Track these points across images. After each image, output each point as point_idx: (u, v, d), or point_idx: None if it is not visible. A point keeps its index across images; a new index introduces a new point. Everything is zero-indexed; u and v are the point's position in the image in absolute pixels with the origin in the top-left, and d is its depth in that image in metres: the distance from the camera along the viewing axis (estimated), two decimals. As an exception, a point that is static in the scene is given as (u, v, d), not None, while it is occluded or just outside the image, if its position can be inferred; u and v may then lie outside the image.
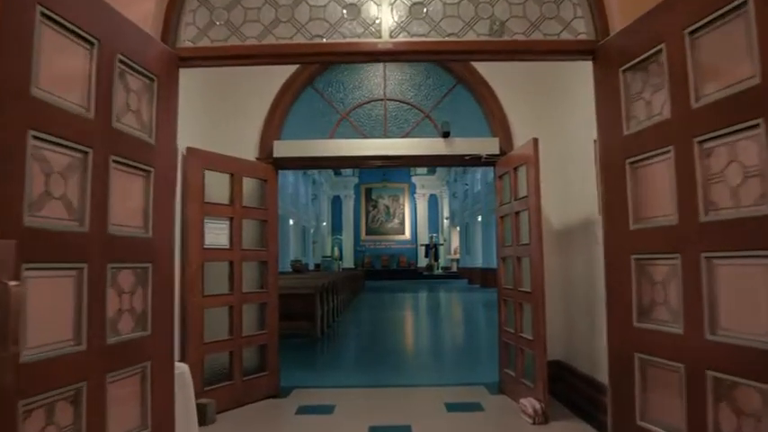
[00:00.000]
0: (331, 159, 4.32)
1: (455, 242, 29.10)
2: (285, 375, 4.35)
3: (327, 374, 4.97)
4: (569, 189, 3.91)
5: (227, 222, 3.82)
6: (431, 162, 4.41)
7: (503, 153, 4.21)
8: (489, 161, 4.24)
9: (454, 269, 27.95)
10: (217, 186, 3.82)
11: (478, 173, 21.91)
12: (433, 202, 31.48)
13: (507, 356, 4.05)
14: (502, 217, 4.14)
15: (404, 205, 31.32)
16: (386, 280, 25.57)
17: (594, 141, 3.57)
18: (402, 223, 31.29)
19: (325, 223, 30.48)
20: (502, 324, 4.11)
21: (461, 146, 4.24)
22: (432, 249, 28.69)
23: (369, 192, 31.35)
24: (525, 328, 3.66)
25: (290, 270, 19.57)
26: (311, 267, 24.78)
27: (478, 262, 20.87)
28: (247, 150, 4.22)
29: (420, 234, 30.65)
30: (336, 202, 31.57)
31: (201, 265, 3.58)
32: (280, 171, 4.30)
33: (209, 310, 3.64)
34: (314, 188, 27.70)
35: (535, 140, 3.48)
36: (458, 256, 28.05)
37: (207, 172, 3.69)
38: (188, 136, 3.61)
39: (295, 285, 7.90)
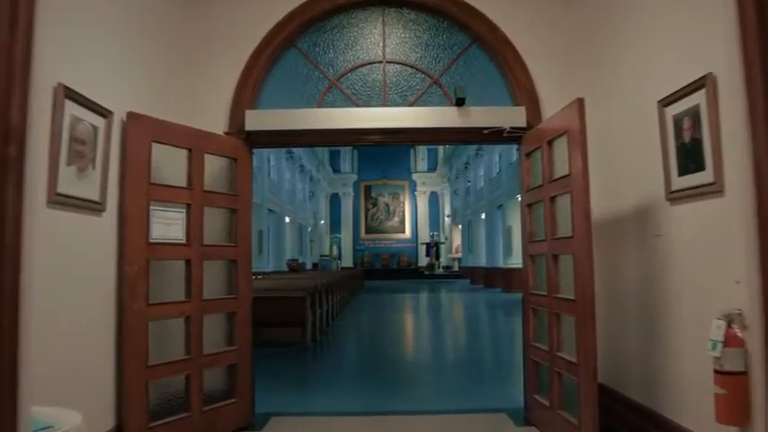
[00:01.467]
0: (318, 134, 3.49)
1: (456, 241, 28.33)
2: (262, 398, 3.54)
3: (315, 396, 4.15)
4: (617, 167, 3.08)
5: (183, 210, 3.01)
6: (441, 137, 3.59)
7: (529, 127, 3.40)
8: (513, 136, 3.42)
9: (456, 268, 27.20)
10: (170, 165, 3.01)
11: (481, 168, 21.10)
12: (434, 200, 30.74)
13: (537, 379, 3.23)
14: (530, 205, 3.31)
15: (404, 203, 30.63)
16: (386, 279, 24.85)
17: (659, 102, 2.77)
18: (402, 221, 30.59)
19: (323, 221, 29.69)
20: (529, 338, 3.29)
21: (479, 117, 3.42)
22: (433, 248, 27.95)
23: (368, 189, 30.64)
24: (565, 346, 2.84)
25: (287, 269, 18.81)
26: (309, 267, 24.03)
27: (482, 261, 20.04)
28: (213, 122, 3.41)
29: (421, 232, 29.94)
30: (335, 200, 30.83)
31: (146, 265, 2.76)
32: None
33: (157, 323, 2.82)
34: (311, 185, 26.91)
35: (580, 101, 2.67)
36: (459, 254, 27.27)
37: (156, 145, 2.87)
38: (131, 98, 2.80)
39: (284, 287, 7.09)
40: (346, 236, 30.28)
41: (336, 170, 30.79)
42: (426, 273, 26.86)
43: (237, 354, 3.25)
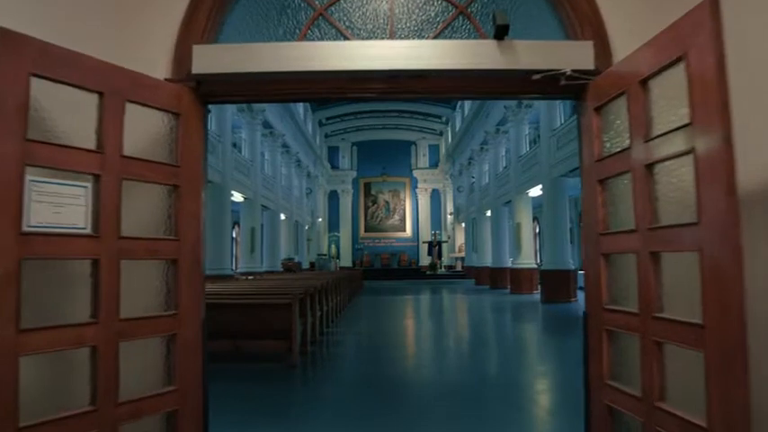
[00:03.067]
0: (298, 80, 2.47)
1: (459, 239, 27.30)
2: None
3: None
4: (757, 117, 2.05)
5: (88, 185, 1.98)
6: (472, 87, 2.56)
7: (597, 72, 2.39)
8: (574, 84, 2.40)
9: (458, 268, 26.17)
10: (67, 115, 1.99)
11: (486, 163, 20.06)
12: (436, 198, 29.75)
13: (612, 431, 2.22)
14: (602, 181, 2.29)
15: (405, 201, 29.66)
16: (386, 280, 23.86)
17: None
18: (403, 220, 29.61)
19: (320, 219, 28.66)
20: (602, 374, 2.27)
21: (527, 55, 2.40)
22: (434, 247, 26.90)
23: (367, 186, 29.67)
24: (674, 393, 1.83)
25: (281, 269, 17.78)
26: (305, 266, 23.01)
27: (487, 261, 19.02)
28: (151, 63, 2.39)
29: (422, 231, 28.95)
30: (333, 197, 29.85)
31: (17, 268, 1.74)
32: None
33: (34, 359, 1.80)
34: (309, 181, 25.89)
35: (713, 2, 1.65)
36: (462, 254, 26.22)
37: (40, 82, 1.85)
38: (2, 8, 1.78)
39: (270, 291, 6.08)
40: (345, 234, 29.27)
41: (335, 166, 29.80)
42: (428, 273, 25.82)
43: (178, 396, 2.23)
